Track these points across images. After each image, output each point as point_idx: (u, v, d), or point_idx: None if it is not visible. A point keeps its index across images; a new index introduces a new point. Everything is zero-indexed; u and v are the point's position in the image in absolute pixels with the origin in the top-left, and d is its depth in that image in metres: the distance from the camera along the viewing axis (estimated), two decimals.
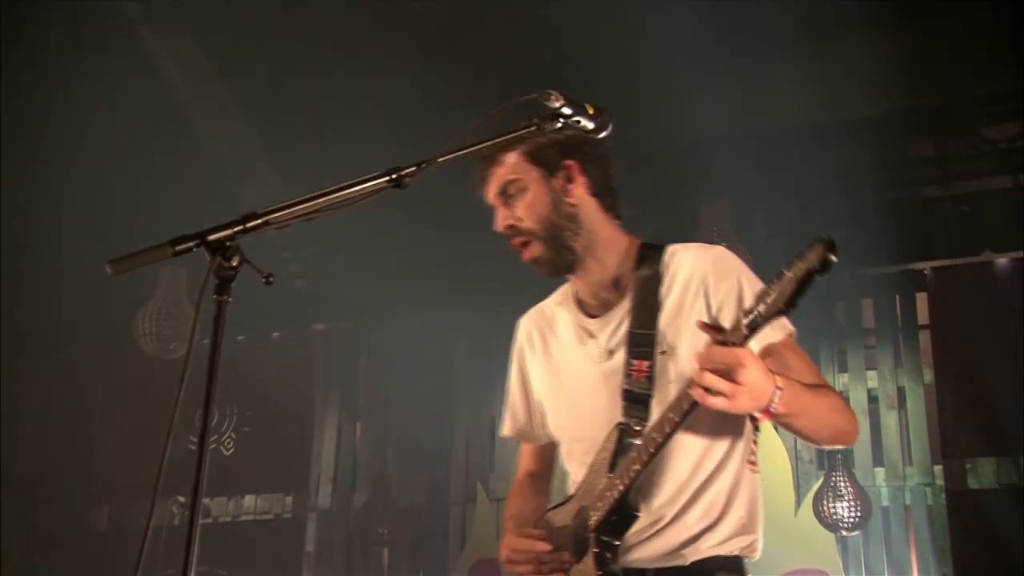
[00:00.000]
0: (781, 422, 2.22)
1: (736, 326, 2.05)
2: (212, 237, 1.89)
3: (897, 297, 6.51)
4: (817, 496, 5.81)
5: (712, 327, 2.13)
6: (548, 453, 2.76)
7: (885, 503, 6.11)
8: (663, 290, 2.41)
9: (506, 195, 2.48)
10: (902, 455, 6.20)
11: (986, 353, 6.08)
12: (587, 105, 2.20)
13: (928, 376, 6.27)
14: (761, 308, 1.99)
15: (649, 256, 2.48)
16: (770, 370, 2.11)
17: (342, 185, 2.00)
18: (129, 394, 7.54)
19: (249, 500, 7.32)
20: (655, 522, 2.33)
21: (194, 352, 1.98)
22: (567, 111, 2.16)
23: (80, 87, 5.86)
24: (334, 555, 7.11)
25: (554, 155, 2.46)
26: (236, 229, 1.90)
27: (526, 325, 2.76)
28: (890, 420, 6.27)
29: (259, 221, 1.93)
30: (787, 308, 1.96)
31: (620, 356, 2.41)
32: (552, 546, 2.37)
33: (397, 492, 6.94)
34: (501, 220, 2.50)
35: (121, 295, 6.61)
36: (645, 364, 2.34)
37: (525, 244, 2.47)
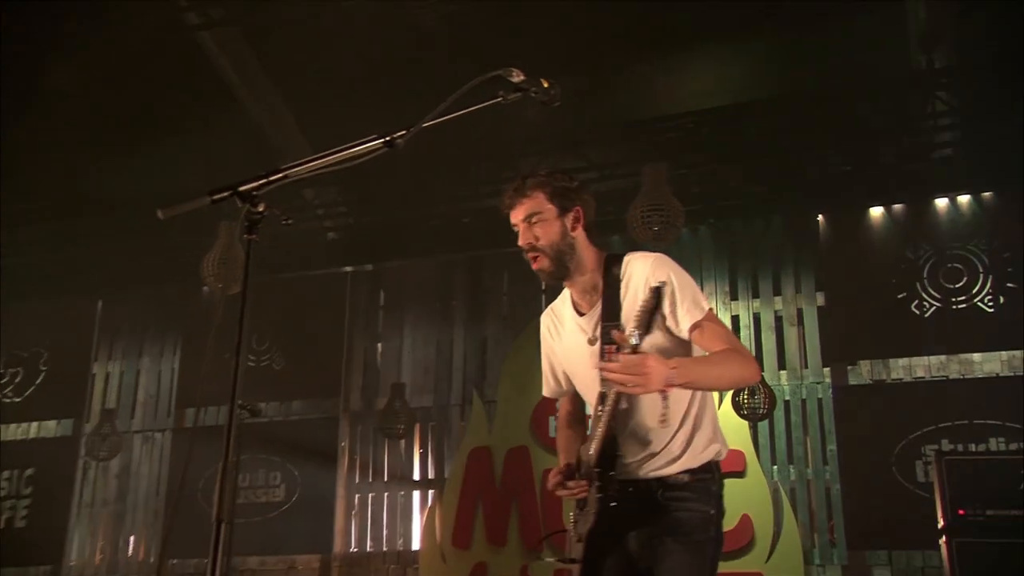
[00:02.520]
0: (684, 388, 2.49)
1: (626, 341, 2.36)
2: (242, 188, 1.87)
3: (797, 238, 6.47)
4: (735, 394, 5.82)
5: (622, 339, 2.38)
6: (579, 398, 2.92)
7: (787, 398, 6.14)
8: (622, 292, 2.62)
9: (530, 221, 2.67)
10: (800, 361, 6.23)
11: (863, 283, 6.13)
12: (543, 80, 2.16)
13: (820, 300, 6.30)
14: (634, 329, 2.35)
15: (612, 265, 2.69)
16: (669, 357, 2.42)
17: (346, 145, 1.96)
18: (197, 321, 7.53)
19: (296, 404, 7.28)
20: (648, 455, 2.58)
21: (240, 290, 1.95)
22: (526, 85, 2.12)
23: (155, 82, 5.81)
24: (362, 446, 7.13)
25: (568, 201, 2.68)
26: (261, 181, 1.88)
27: (545, 320, 2.93)
28: (791, 334, 6.29)
29: (280, 175, 1.90)
30: (646, 331, 2.35)
31: (599, 343, 2.63)
32: (572, 476, 2.63)
33: (410, 396, 6.94)
34: (524, 238, 2.69)
35: (193, 245, 6.61)
36: (614, 348, 2.49)
37: (536, 258, 2.68)
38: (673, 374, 2.34)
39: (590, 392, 2.70)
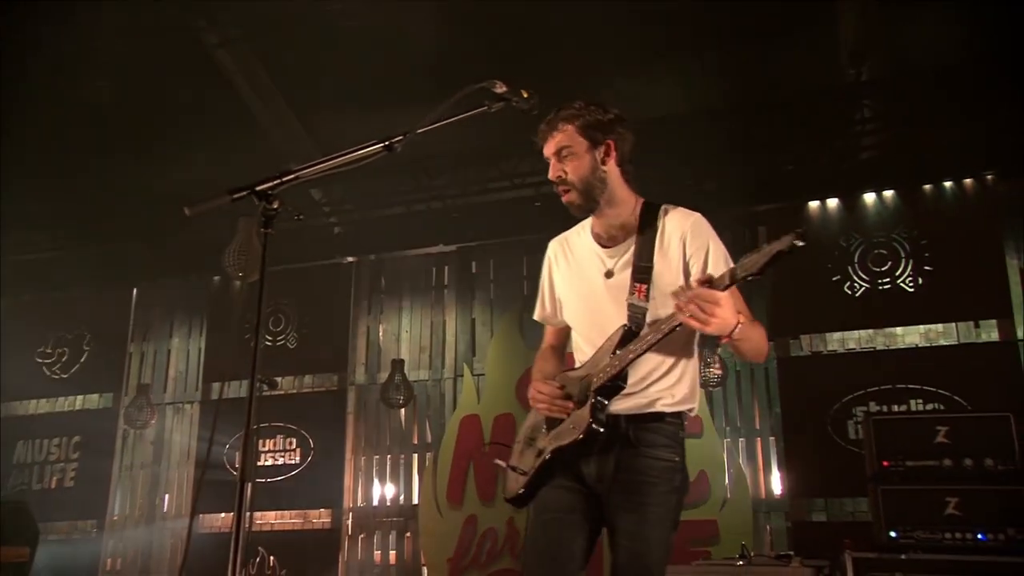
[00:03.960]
0: (733, 344, 2.21)
1: (722, 278, 2.07)
2: (259, 188, 1.85)
3: (745, 229, 6.45)
4: None
5: (707, 280, 2.09)
6: (564, 334, 2.66)
7: (738, 368, 6.15)
8: (658, 238, 2.37)
9: (560, 155, 2.40)
10: None
11: (803, 268, 6.11)
12: (522, 90, 2.15)
13: (766, 282, 6.26)
14: (739, 271, 2.03)
15: (649, 212, 2.43)
16: (738, 310, 2.14)
17: (350, 149, 1.95)
18: (219, 306, 7.54)
19: (308, 378, 7.25)
20: (630, 392, 2.33)
21: (258, 278, 1.93)
22: (508, 95, 2.12)
23: (180, 95, 5.75)
24: (367, 414, 7.11)
25: (599, 134, 2.39)
26: (275, 182, 1.87)
27: (553, 246, 2.64)
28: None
29: (291, 176, 1.89)
30: (759, 273, 2.00)
31: (623, 277, 2.38)
32: (564, 393, 2.37)
33: (408, 371, 6.93)
34: (553, 171, 2.41)
35: (214, 239, 6.55)
36: (644, 287, 2.32)
37: (566, 191, 2.41)
38: (737, 326, 2.11)
39: (589, 321, 2.44)
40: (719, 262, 2.31)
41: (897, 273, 5.89)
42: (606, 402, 2.29)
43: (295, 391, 7.23)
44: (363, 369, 7.22)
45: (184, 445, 7.45)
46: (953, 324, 5.71)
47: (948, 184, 5.93)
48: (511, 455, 2.55)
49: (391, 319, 7.31)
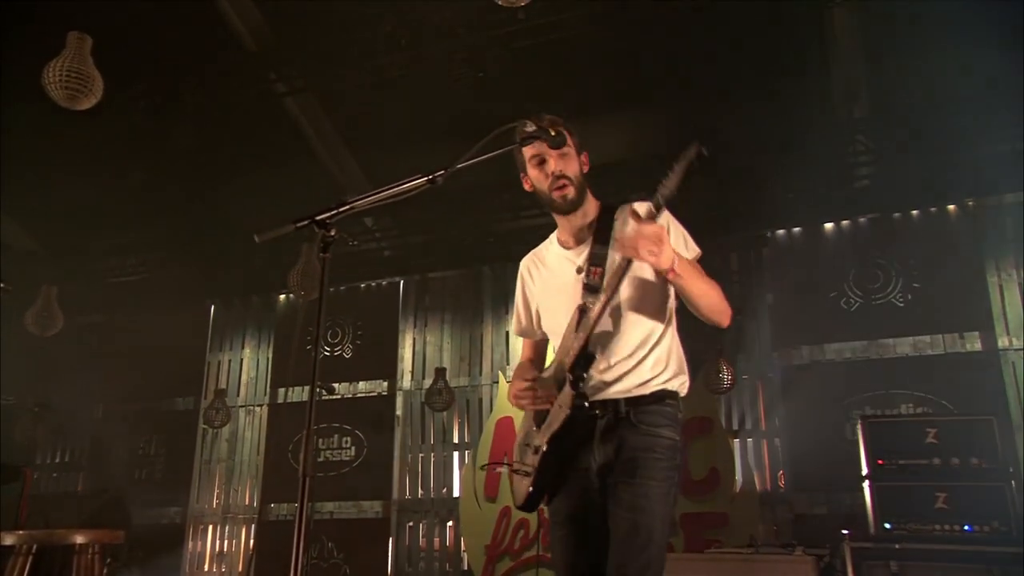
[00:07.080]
0: (679, 283, 2.08)
1: (650, 209, 1.97)
2: (318, 217, 1.86)
3: (751, 251, 6.40)
4: (705, 372, 5.77)
5: (637, 213, 2.00)
6: (541, 346, 2.53)
7: (745, 376, 6.06)
8: (616, 226, 2.27)
9: (562, 152, 2.29)
10: (756, 346, 6.14)
11: (803, 285, 6.05)
12: (549, 129, 2.16)
13: (770, 299, 6.21)
14: (664, 192, 1.94)
15: (606, 210, 2.34)
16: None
17: (397, 182, 1.95)
18: (285, 321, 7.63)
19: (362, 384, 7.29)
20: (620, 373, 2.18)
21: (317, 296, 1.93)
22: (537, 134, 2.13)
23: (252, 137, 5.84)
24: (413, 417, 7.11)
25: (582, 142, 2.34)
26: (333, 212, 1.87)
27: (525, 262, 2.52)
28: (749, 326, 6.21)
29: (347, 207, 1.89)
30: (677, 192, 1.91)
31: (586, 272, 2.27)
32: (539, 381, 2.24)
33: (450, 378, 6.93)
34: (556, 166, 2.27)
35: (280, 263, 6.62)
36: (599, 270, 2.20)
37: (564, 186, 2.27)
38: (675, 260, 1.99)
39: (566, 321, 2.25)
40: (679, 237, 2.22)
41: (888, 290, 5.80)
42: (584, 375, 2.13)
43: (350, 395, 7.26)
44: (410, 376, 7.23)
45: (255, 443, 7.52)
46: (940, 335, 5.60)
47: (933, 209, 5.85)
48: (515, 453, 2.38)
49: (434, 332, 7.32)
